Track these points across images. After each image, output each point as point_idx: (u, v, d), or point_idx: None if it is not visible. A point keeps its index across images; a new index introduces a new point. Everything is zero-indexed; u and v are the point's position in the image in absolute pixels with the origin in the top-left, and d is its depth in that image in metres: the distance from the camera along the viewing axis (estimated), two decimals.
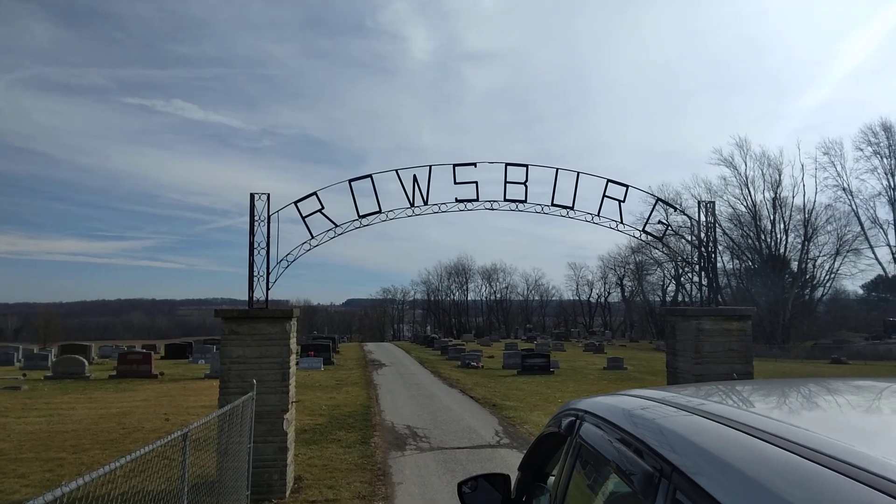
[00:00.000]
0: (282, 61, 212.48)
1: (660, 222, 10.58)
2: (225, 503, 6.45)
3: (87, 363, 23.68)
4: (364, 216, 9.39)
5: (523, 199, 9.68)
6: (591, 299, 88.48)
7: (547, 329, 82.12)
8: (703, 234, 10.09)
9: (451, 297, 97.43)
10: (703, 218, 10.07)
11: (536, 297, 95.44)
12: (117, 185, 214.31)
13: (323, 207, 9.12)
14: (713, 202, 10.49)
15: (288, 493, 7.78)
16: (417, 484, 8.16)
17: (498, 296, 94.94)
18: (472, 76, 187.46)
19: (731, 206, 54.60)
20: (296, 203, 9.10)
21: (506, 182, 9.58)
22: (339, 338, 57.69)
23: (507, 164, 9.64)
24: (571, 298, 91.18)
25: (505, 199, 9.70)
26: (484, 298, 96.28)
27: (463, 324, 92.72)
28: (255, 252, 8.85)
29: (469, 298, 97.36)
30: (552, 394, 18.39)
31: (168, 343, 38.43)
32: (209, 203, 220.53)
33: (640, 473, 1.37)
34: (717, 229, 10.57)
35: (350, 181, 9.46)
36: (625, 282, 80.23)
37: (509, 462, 9.10)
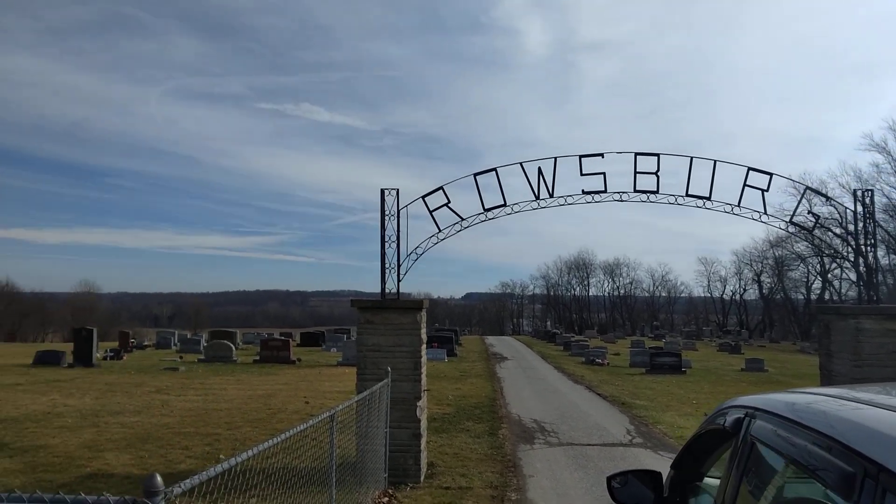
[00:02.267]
0: (402, 62, 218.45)
1: (810, 213, 9.77)
2: (366, 483, 6.79)
3: (234, 348, 25.77)
4: (489, 209, 9.44)
5: (655, 189, 9.30)
6: (724, 296, 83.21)
7: (675, 327, 78.41)
8: (857, 226, 9.19)
9: (572, 291, 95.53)
10: (858, 208, 9.16)
11: (663, 294, 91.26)
12: (255, 185, 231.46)
13: (449, 201, 9.25)
14: (871, 190, 9.53)
15: (423, 478, 8.03)
16: (549, 477, 8.12)
17: (621, 291, 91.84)
18: (590, 67, 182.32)
19: (885, 195, 49.00)
20: (423, 198, 9.31)
21: (636, 172, 9.25)
22: (460, 331, 58.57)
23: (636, 154, 9.32)
24: (702, 295, 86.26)
25: (635, 190, 9.37)
26: (606, 294, 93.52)
27: (584, 319, 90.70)
28: (386, 245, 9.18)
29: (590, 294, 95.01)
30: (685, 394, 17.56)
31: (303, 331, 40.87)
32: (336, 200, 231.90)
33: (837, 474, 1.29)
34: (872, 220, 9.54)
35: (475, 175, 9.55)
36: (762, 278, 74.61)
37: (644, 462, 8.81)
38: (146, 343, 38.54)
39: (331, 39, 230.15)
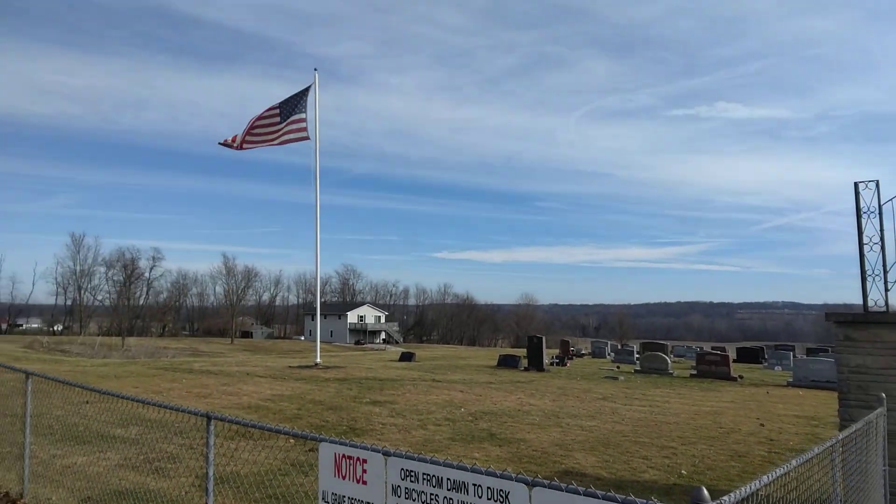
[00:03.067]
0: (831, 35, 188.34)
1: None
2: None
3: (668, 361, 25.59)
4: None
5: None
6: None
7: None
8: None
9: None
10: None
11: None
12: (670, 194, 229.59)
13: None
14: None
15: None
16: None
17: None
18: None
19: None
20: None
21: None
22: None
23: None
24: None
25: None
26: None
27: None
28: (866, 248, 7.81)
29: None
30: None
31: (739, 346, 38.13)
32: (761, 202, 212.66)
33: None
34: None
35: None
36: None
37: None
38: (583, 352, 41.46)
39: (744, 29, 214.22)
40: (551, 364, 27.68)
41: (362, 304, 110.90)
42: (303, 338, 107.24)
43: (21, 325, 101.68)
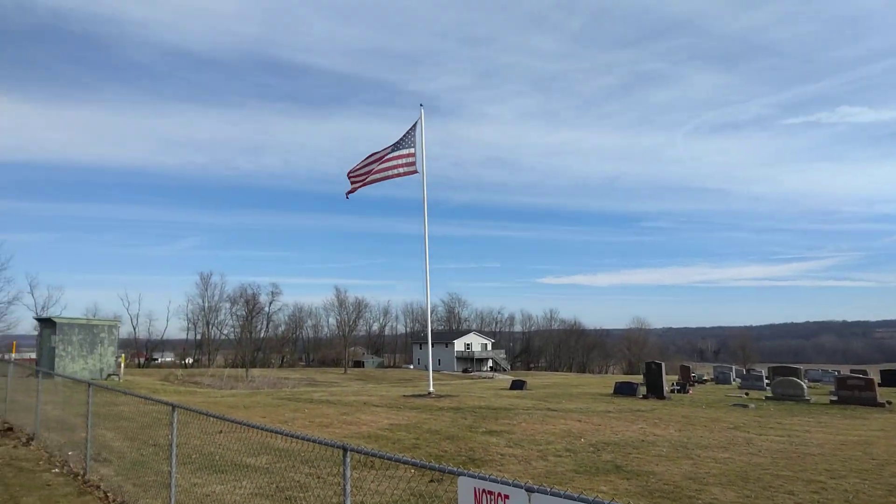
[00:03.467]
0: None
1: None
2: None
3: (804, 386, 23.59)
4: None
5: None
6: None
7: None
8: None
9: None
10: None
11: None
12: (790, 207, 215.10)
13: None
14: None
15: None
16: None
17: None
18: None
19: None
20: None
21: None
22: None
23: None
24: None
25: None
26: None
27: None
28: None
29: None
30: None
31: (882, 369, 34.63)
32: (895, 211, 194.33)
33: None
34: None
35: None
36: None
37: None
38: (704, 377, 39.16)
39: (865, 28, 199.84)
40: (672, 391, 26.29)
41: (468, 331, 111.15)
42: (411, 366, 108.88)
43: (156, 360, 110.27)
